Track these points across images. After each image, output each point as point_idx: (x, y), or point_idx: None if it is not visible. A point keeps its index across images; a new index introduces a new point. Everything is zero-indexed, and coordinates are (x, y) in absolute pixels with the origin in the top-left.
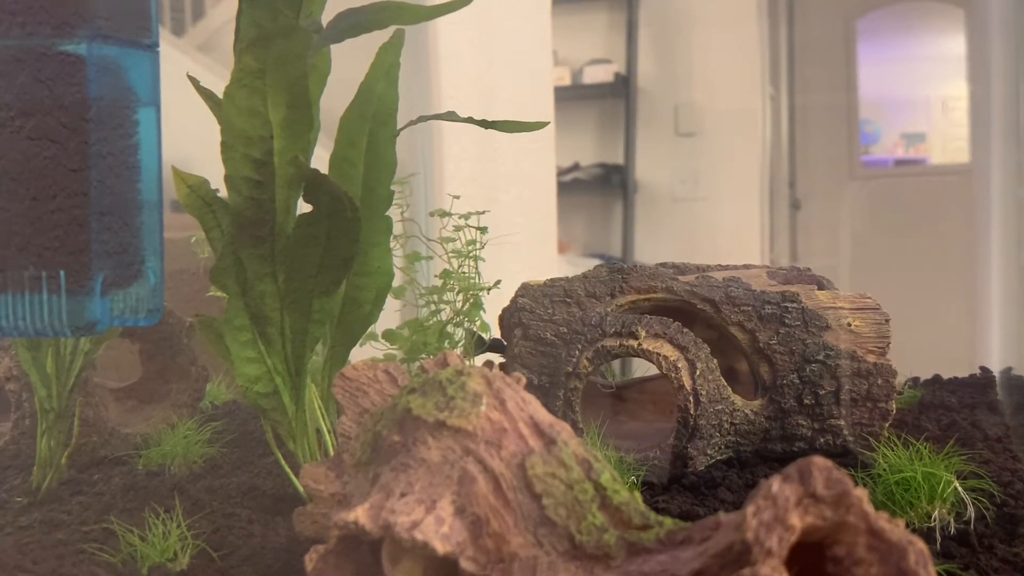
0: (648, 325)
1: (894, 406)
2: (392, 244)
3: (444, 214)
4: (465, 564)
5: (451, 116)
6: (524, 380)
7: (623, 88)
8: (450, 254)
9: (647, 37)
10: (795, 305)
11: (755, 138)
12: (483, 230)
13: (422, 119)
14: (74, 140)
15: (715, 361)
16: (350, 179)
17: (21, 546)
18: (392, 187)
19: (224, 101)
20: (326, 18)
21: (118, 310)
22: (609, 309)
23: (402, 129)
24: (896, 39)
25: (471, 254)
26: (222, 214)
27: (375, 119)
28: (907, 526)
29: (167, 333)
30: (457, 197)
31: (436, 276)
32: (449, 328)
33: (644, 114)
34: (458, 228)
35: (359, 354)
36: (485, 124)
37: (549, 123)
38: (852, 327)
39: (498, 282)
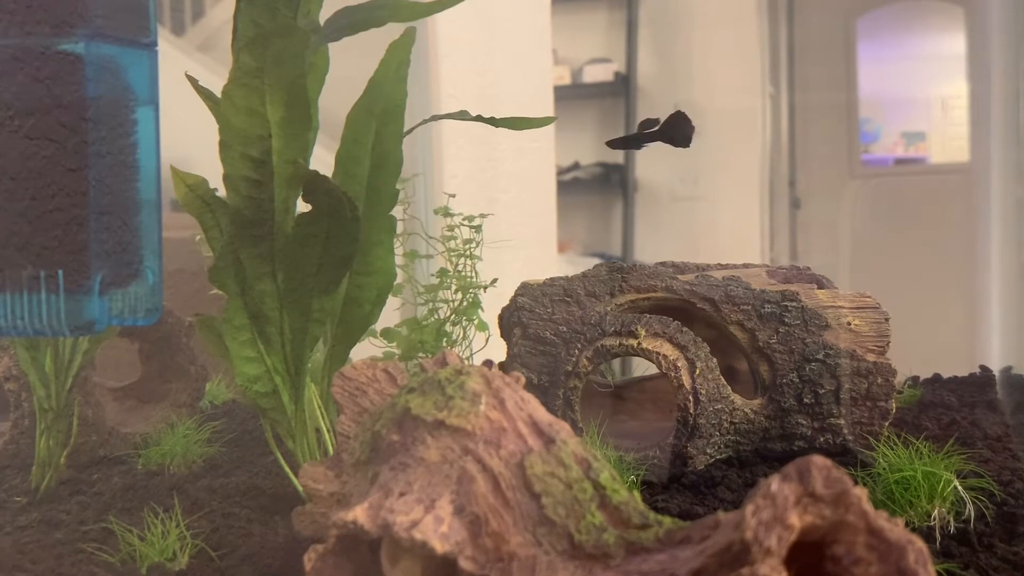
0: (648, 324)
1: (894, 405)
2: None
3: (447, 213)
4: (464, 563)
5: (462, 115)
6: (523, 379)
7: (623, 87)
8: (448, 252)
9: (647, 36)
10: (795, 304)
11: (755, 137)
12: (478, 228)
13: (434, 118)
14: (73, 139)
15: (715, 360)
16: (354, 177)
17: (20, 546)
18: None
19: (222, 100)
20: (324, 16)
21: (117, 309)
22: (609, 308)
23: (411, 130)
24: (896, 38)
25: (467, 253)
26: (221, 214)
27: (382, 117)
28: (907, 525)
29: (166, 332)
30: (453, 196)
31: (432, 275)
32: (447, 327)
33: (644, 113)
34: (451, 228)
35: (358, 352)
36: (493, 122)
37: (555, 119)
38: (852, 326)
39: (494, 280)
